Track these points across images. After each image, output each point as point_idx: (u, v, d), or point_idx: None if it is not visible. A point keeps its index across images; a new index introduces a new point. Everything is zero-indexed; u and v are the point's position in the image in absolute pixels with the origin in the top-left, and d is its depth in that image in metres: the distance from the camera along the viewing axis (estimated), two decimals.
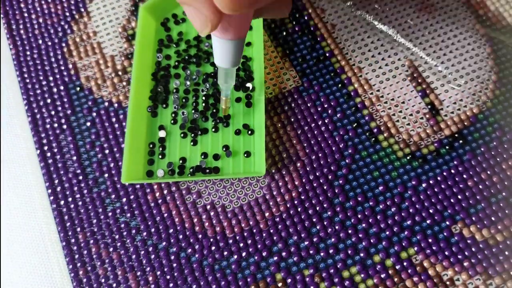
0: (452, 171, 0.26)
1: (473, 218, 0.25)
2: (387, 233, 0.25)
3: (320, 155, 0.27)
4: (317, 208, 0.26)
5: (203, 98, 0.28)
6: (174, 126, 0.28)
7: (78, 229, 0.26)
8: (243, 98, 0.29)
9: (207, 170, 0.27)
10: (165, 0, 0.30)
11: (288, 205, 0.26)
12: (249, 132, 0.28)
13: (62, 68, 0.30)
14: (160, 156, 0.27)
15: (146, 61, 0.29)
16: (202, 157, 0.27)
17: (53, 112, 0.29)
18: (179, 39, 0.30)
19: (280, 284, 0.25)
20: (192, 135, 0.28)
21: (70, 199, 0.27)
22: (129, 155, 0.26)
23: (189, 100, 0.29)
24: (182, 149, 0.27)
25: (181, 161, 0.27)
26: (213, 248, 0.26)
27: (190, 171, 0.27)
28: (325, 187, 0.26)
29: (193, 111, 0.28)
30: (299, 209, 0.26)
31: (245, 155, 0.27)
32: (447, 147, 0.27)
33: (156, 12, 0.30)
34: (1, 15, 0.32)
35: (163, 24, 0.31)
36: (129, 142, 0.26)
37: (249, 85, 0.29)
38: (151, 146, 0.27)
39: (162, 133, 0.28)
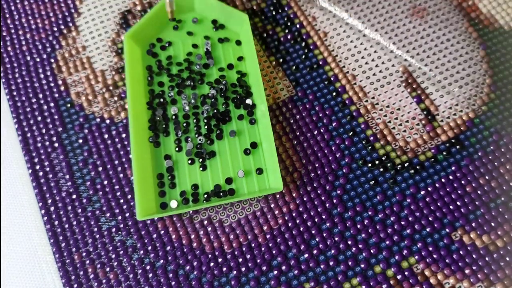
0: (450, 177, 0.26)
1: (473, 224, 0.25)
2: (387, 242, 0.25)
3: (316, 165, 0.27)
4: (316, 220, 0.26)
5: (205, 120, 0.28)
6: (179, 154, 0.27)
7: (74, 249, 0.26)
8: (245, 116, 0.28)
9: (221, 194, 0.26)
10: (148, 25, 0.30)
11: (286, 218, 0.26)
12: (258, 149, 0.27)
13: (52, 84, 0.30)
14: (170, 186, 0.26)
15: (139, 90, 0.28)
16: (215, 182, 0.26)
17: (44, 130, 0.29)
18: (169, 63, 0.30)
19: None
20: (200, 160, 0.27)
21: (64, 218, 0.27)
22: (140, 191, 0.25)
23: (191, 124, 0.28)
24: (192, 175, 0.27)
25: (193, 188, 0.26)
26: (211, 264, 0.25)
27: (204, 197, 0.26)
28: (323, 198, 0.26)
29: (196, 135, 0.27)
30: (297, 221, 0.26)
31: (257, 172, 0.26)
32: (444, 153, 0.27)
33: (141, 38, 0.30)
34: None
35: (149, 51, 0.30)
36: (138, 177, 0.26)
37: (249, 101, 0.28)
38: (159, 177, 0.27)
39: (168, 163, 0.27)
